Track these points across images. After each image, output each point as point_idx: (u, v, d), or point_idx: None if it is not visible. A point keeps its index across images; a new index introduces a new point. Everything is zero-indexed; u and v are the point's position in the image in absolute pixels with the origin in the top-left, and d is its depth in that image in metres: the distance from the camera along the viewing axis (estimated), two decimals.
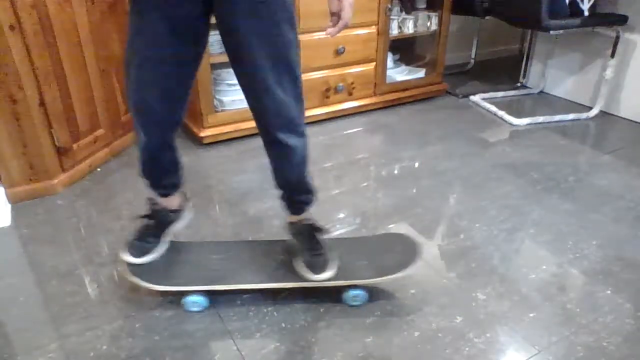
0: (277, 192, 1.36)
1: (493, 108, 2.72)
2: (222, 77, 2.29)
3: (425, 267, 1.52)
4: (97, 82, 2.03)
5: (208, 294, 1.36)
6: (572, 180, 2.03)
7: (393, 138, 2.41)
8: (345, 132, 2.47)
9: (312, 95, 2.47)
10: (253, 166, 2.12)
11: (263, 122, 1.20)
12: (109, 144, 2.17)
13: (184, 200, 1.47)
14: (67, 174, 1.96)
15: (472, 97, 2.90)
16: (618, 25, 2.46)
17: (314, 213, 1.40)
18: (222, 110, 2.31)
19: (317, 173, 2.06)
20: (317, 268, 1.32)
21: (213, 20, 1.11)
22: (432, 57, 2.86)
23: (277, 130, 1.18)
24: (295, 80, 1.15)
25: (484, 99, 2.88)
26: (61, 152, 1.91)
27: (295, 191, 1.34)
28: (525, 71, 3.11)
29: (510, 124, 2.58)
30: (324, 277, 1.31)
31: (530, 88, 3.07)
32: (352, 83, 2.57)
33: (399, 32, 2.67)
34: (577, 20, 2.38)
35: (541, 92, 3.03)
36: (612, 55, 2.51)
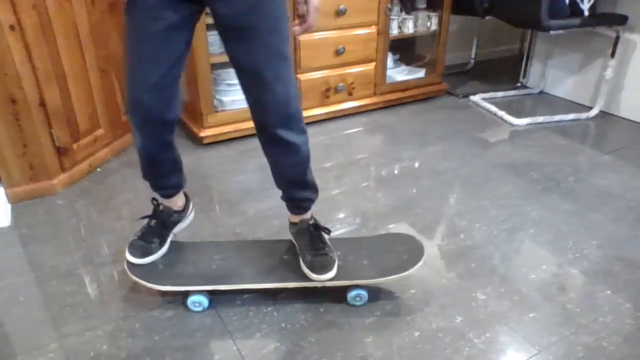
0: (278, 192, 1.36)
1: (493, 108, 2.72)
2: (222, 77, 2.29)
3: (425, 267, 1.52)
4: (97, 82, 2.03)
5: (210, 294, 1.36)
6: (572, 180, 2.03)
7: (393, 138, 2.41)
8: (345, 132, 2.47)
9: (312, 95, 2.47)
10: (253, 166, 2.12)
11: (263, 120, 1.20)
12: (109, 144, 2.17)
13: (187, 200, 1.47)
14: (67, 174, 1.96)
15: (472, 97, 2.90)
16: (618, 25, 2.46)
17: (314, 213, 1.41)
18: (222, 110, 2.31)
19: (317, 173, 2.04)
20: (319, 268, 1.31)
21: (210, 20, 1.12)
22: (432, 57, 2.86)
23: (278, 127, 1.18)
24: (291, 74, 1.16)
25: (484, 99, 2.88)
26: (61, 152, 1.91)
27: (297, 190, 1.34)
28: (525, 71, 3.11)
29: (510, 124, 2.58)
30: (326, 277, 1.31)
31: (530, 88, 3.07)
32: (352, 83, 2.57)
33: (399, 32, 2.67)
34: (577, 20, 2.38)
35: (541, 92, 3.03)
36: (612, 55, 2.51)
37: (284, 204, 1.39)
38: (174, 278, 1.33)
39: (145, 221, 1.40)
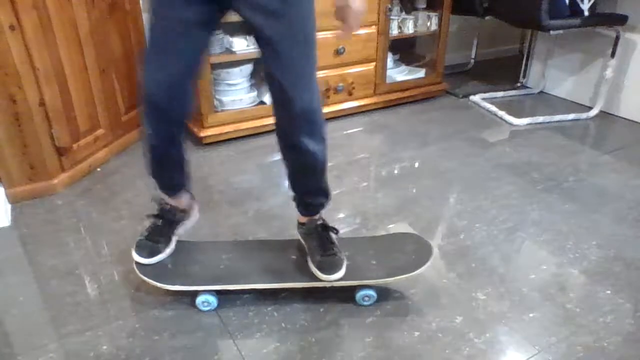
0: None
1: (493, 108, 2.72)
2: (222, 77, 2.29)
3: (426, 267, 1.52)
4: (97, 82, 2.03)
5: (218, 293, 1.36)
6: (572, 180, 2.03)
7: (393, 138, 2.41)
8: (345, 132, 2.47)
9: None
10: (253, 166, 2.12)
11: (286, 126, 1.19)
12: (109, 144, 2.17)
13: (192, 199, 1.47)
14: (67, 174, 1.96)
15: (472, 97, 2.90)
16: (618, 25, 2.46)
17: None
18: (222, 110, 2.31)
19: None
20: (328, 268, 1.31)
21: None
22: (432, 57, 2.85)
23: (300, 135, 1.18)
24: (315, 81, 1.16)
25: (484, 98, 2.88)
26: (61, 152, 1.91)
27: (312, 196, 1.34)
28: (525, 71, 3.12)
29: (511, 124, 2.58)
30: (335, 277, 1.31)
31: (530, 88, 3.07)
32: (352, 83, 2.57)
33: (399, 32, 2.67)
34: (577, 20, 2.38)
35: (541, 92, 3.03)
36: (612, 55, 2.51)
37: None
38: (183, 278, 1.33)
39: (150, 221, 1.40)
